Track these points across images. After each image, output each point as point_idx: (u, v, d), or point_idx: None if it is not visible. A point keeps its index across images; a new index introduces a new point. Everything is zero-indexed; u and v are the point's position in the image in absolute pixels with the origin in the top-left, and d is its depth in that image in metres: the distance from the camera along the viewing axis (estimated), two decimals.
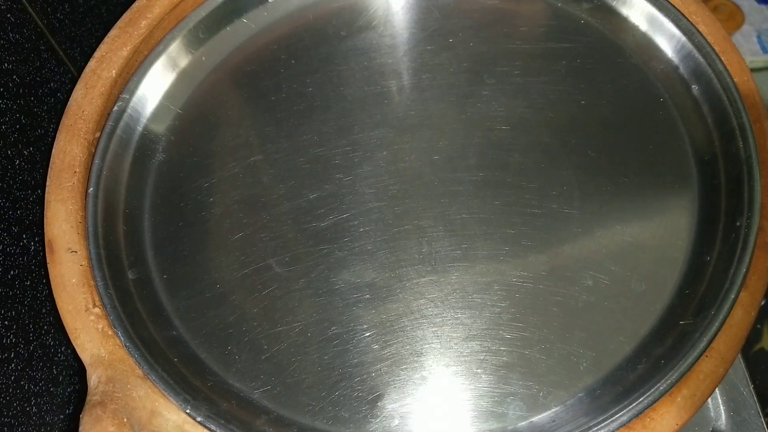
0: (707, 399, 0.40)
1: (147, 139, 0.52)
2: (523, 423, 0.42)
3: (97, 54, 0.53)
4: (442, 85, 0.53)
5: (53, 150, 0.49)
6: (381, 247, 0.47)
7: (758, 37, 0.71)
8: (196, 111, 0.54)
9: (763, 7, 0.73)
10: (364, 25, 0.57)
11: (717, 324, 0.41)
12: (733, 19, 0.56)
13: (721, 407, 0.53)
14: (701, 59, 0.51)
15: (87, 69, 0.52)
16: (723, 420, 0.53)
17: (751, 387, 0.53)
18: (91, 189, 0.48)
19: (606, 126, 0.51)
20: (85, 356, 0.42)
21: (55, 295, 0.44)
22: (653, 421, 0.39)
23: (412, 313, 0.45)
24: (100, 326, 0.43)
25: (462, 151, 0.51)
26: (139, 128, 0.52)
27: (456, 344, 0.44)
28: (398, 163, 0.51)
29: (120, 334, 0.42)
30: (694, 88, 0.51)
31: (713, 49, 0.50)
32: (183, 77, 0.55)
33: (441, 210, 0.49)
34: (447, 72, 0.54)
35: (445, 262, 0.47)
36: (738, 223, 0.44)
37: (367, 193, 0.49)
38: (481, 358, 0.44)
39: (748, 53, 0.70)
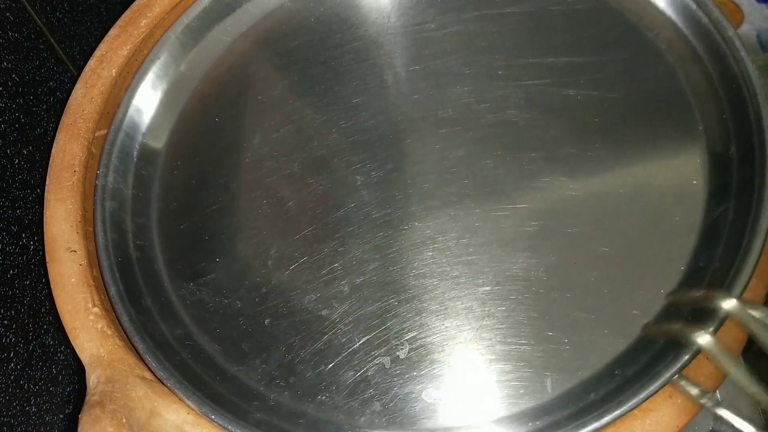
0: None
1: (150, 146, 0.52)
2: (528, 407, 0.42)
3: (97, 53, 0.52)
4: (453, 69, 0.53)
5: (53, 149, 0.49)
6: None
7: (758, 36, 0.71)
8: (198, 109, 0.54)
9: (763, 6, 0.73)
10: (374, 16, 0.57)
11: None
12: (732, 17, 0.55)
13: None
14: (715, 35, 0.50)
15: (87, 68, 0.52)
16: None
17: None
18: (97, 196, 0.48)
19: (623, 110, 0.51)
20: (84, 356, 0.42)
21: (54, 295, 0.44)
22: (654, 423, 0.39)
23: (414, 298, 0.45)
24: (99, 326, 0.43)
25: (481, 135, 0.50)
26: (140, 136, 0.52)
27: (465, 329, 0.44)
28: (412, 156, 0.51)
29: (135, 338, 0.42)
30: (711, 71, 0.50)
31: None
32: (181, 78, 0.55)
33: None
34: (457, 55, 0.54)
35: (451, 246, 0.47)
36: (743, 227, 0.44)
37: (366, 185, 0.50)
38: (489, 344, 0.44)
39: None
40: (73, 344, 0.43)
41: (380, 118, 0.52)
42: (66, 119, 0.50)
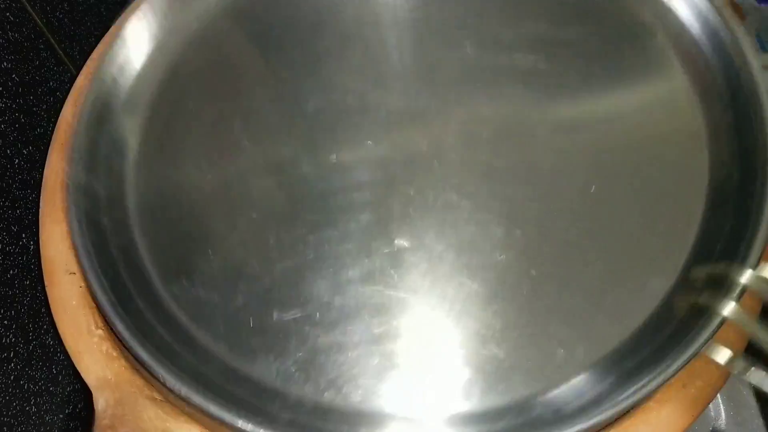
0: (716, 395, 0.40)
1: (121, 136, 0.49)
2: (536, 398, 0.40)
3: (84, 70, 0.51)
4: (438, 46, 0.52)
5: (45, 169, 0.48)
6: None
7: (757, 36, 0.71)
8: (171, 96, 0.51)
9: (763, 6, 0.73)
10: None
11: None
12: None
13: (721, 407, 0.53)
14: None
15: (75, 86, 0.51)
16: (723, 419, 0.53)
17: (752, 387, 0.53)
18: (68, 196, 0.45)
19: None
20: (90, 379, 0.41)
21: (55, 318, 0.43)
22: (669, 413, 0.39)
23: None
24: (104, 348, 0.42)
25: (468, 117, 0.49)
26: (109, 126, 0.49)
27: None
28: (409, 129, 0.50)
29: (139, 354, 0.40)
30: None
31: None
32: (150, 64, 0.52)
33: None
34: (442, 33, 0.53)
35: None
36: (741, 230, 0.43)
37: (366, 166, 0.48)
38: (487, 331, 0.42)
39: None
40: (77, 368, 0.42)
41: (368, 99, 0.50)
42: (57, 138, 0.48)
